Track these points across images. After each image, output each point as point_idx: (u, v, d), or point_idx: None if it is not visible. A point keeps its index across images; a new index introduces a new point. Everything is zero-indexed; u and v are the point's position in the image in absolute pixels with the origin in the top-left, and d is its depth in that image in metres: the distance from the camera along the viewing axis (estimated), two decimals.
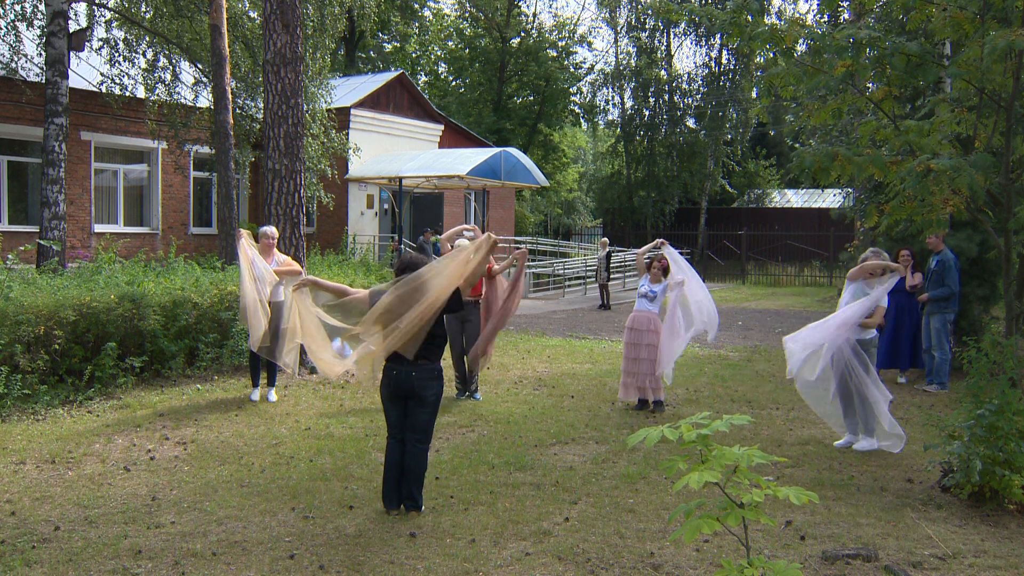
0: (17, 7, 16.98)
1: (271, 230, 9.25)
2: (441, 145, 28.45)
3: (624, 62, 41.67)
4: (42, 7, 16.72)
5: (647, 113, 41.10)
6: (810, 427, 8.33)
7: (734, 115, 39.59)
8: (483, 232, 6.41)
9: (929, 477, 6.58)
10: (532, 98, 43.46)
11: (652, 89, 40.76)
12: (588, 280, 26.27)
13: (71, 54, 16.40)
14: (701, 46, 40.68)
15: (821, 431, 8.18)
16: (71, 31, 16.01)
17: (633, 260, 28.70)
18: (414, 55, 45.13)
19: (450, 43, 45.60)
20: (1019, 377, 6.61)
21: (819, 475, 6.70)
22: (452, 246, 9.23)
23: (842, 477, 6.65)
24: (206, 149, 20.55)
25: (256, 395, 9.15)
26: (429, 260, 5.80)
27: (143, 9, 18.24)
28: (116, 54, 18.29)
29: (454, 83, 45.54)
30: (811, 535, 5.32)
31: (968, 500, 5.94)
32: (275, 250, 9.28)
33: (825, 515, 5.72)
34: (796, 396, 9.80)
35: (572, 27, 44.68)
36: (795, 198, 43.53)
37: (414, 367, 5.58)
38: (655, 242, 9.52)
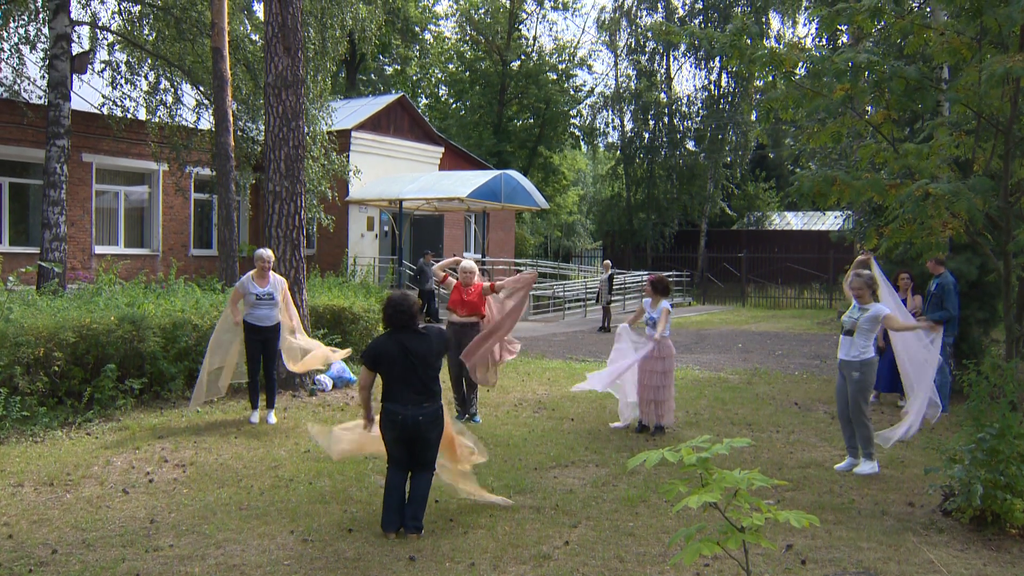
0: (21, 30, 17.11)
1: (267, 253, 9.21)
2: (441, 167, 28.54)
3: (624, 85, 41.96)
4: (45, 30, 16.84)
5: (647, 136, 41.33)
6: (811, 450, 8.30)
7: (733, 138, 39.80)
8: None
9: (930, 501, 6.55)
10: (532, 121, 43.71)
11: (652, 112, 41.02)
12: (588, 302, 26.33)
13: (73, 76, 16.50)
14: (701, 69, 41.03)
15: (822, 454, 8.15)
16: (74, 54, 16.12)
17: (633, 283, 28.77)
18: (415, 78, 45.42)
19: (451, 66, 45.91)
20: (1020, 400, 6.60)
21: (820, 498, 6.67)
22: (444, 272, 9.36)
23: (843, 501, 6.62)
24: (207, 171, 20.61)
25: (255, 417, 9.13)
26: (414, 301, 5.81)
27: (145, 32, 18.37)
28: (118, 76, 18.40)
29: (454, 106, 45.80)
30: (812, 559, 5.29)
31: (970, 524, 5.91)
32: (271, 272, 9.26)
33: (826, 539, 5.70)
34: (796, 419, 9.82)
35: (572, 50, 45.08)
36: (795, 220, 43.68)
37: (420, 411, 5.60)
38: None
